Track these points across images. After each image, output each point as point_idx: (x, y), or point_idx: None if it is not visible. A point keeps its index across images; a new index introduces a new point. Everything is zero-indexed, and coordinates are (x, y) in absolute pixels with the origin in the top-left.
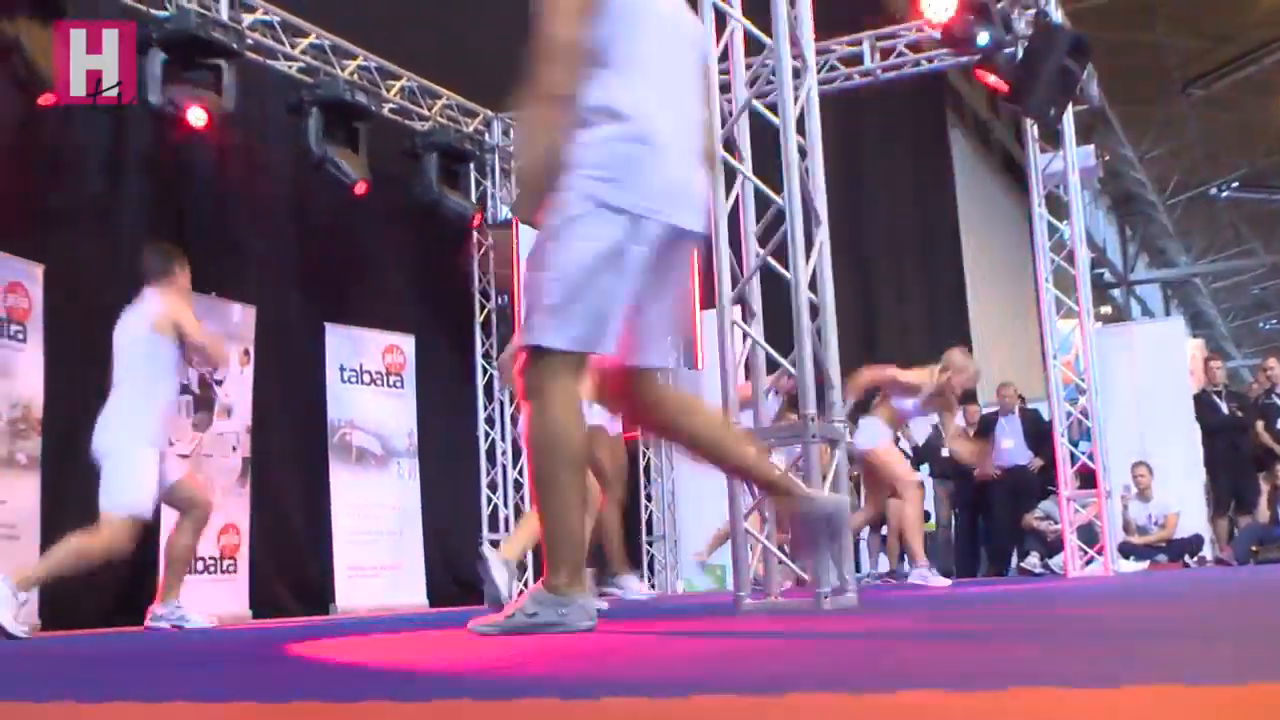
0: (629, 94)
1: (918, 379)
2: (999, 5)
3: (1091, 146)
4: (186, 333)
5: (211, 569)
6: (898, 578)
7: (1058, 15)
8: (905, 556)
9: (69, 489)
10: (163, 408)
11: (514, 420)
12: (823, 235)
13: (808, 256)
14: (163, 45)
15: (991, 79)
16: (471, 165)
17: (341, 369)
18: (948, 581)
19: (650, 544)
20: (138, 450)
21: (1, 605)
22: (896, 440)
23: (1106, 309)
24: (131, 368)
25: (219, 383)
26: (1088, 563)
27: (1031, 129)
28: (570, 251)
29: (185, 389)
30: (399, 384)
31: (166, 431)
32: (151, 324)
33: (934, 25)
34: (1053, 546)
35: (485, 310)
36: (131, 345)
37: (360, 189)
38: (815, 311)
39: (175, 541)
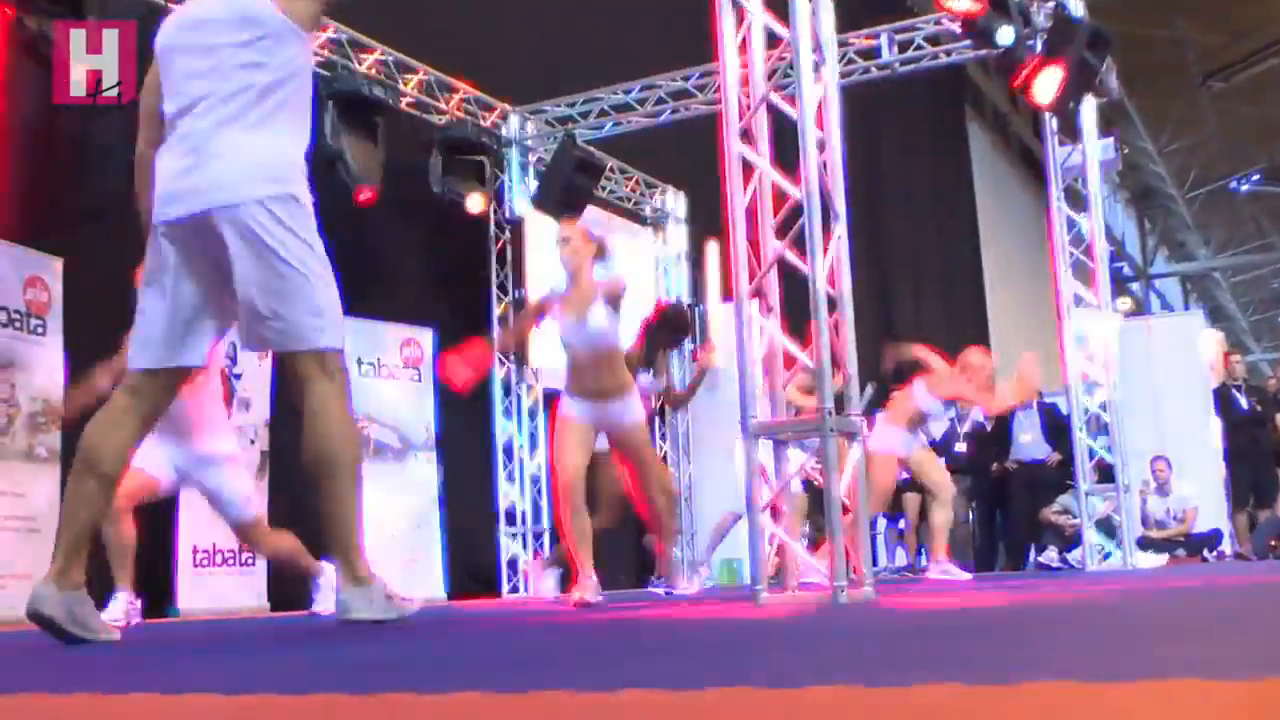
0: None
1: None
2: None
3: (1110, 139)
4: None
5: (230, 561)
6: (915, 572)
7: (1077, 8)
8: (923, 551)
9: None
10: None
11: (530, 414)
12: (840, 229)
13: (825, 250)
14: None
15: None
16: (487, 159)
17: (360, 362)
18: (968, 576)
19: None
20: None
21: (326, 589)
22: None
23: (1126, 303)
24: None
25: (238, 376)
26: (1105, 557)
27: (1050, 122)
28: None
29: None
30: (417, 377)
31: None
32: None
33: (957, 15)
34: (1070, 541)
35: (503, 303)
36: None
37: (362, 196)
38: (833, 305)
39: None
